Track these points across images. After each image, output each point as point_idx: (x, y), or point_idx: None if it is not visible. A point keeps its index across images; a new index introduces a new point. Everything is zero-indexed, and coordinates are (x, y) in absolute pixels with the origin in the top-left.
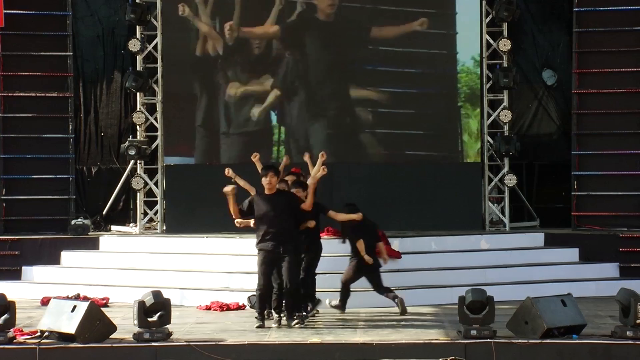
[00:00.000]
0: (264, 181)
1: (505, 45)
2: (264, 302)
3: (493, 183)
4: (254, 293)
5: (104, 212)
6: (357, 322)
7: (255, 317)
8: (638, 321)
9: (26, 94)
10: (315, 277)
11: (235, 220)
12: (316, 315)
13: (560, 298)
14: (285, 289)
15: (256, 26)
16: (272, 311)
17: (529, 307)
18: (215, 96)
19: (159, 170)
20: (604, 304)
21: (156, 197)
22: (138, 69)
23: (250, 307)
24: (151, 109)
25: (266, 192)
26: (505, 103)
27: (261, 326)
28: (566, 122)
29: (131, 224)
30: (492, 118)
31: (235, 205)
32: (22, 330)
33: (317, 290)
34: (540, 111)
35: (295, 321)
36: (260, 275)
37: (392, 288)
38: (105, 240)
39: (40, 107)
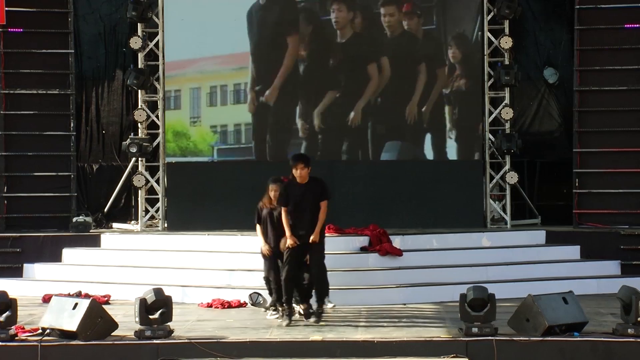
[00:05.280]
0: (295, 173)
1: (506, 42)
2: (290, 289)
3: (494, 181)
4: (255, 290)
5: (106, 210)
6: (359, 319)
7: (283, 311)
8: (639, 318)
9: (27, 92)
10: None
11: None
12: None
13: (561, 295)
14: (314, 277)
15: None
16: (296, 304)
17: (531, 304)
18: None
19: (161, 167)
20: (606, 301)
21: (157, 194)
22: (139, 67)
23: (252, 305)
24: (152, 106)
25: (298, 181)
26: (507, 100)
27: (289, 324)
28: (568, 120)
29: (132, 222)
30: (493, 115)
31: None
32: (23, 328)
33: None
34: (542, 109)
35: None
36: (286, 264)
37: (393, 285)
38: (106, 237)
39: (41, 104)
